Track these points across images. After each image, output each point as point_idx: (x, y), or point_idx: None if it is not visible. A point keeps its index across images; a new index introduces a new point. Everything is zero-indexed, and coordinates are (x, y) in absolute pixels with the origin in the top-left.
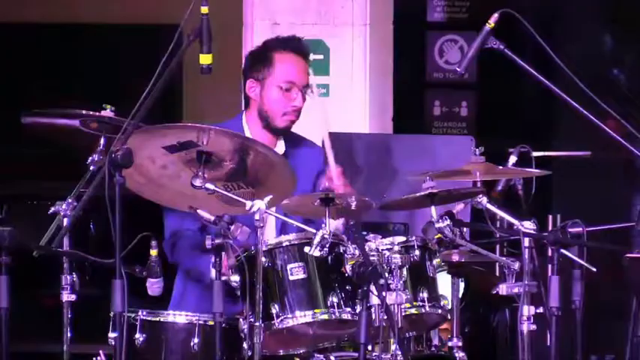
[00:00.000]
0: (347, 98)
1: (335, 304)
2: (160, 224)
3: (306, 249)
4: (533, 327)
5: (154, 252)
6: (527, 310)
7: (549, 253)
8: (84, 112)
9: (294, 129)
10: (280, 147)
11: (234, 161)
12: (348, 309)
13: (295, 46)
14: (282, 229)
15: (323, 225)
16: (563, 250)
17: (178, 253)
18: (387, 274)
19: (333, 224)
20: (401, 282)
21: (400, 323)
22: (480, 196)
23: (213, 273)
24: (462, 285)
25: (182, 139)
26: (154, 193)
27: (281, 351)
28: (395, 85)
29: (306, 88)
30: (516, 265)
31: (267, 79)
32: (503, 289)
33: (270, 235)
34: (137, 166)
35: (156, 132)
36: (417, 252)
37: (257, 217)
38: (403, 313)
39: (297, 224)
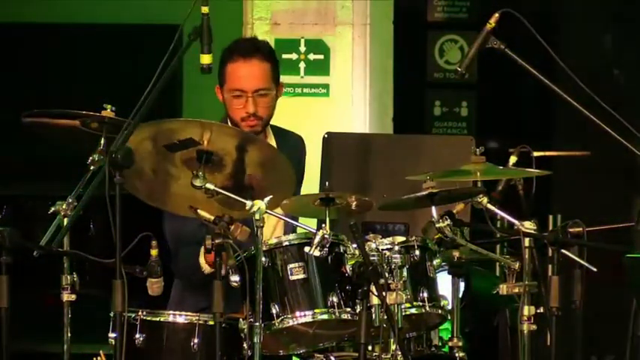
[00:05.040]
0: (347, 98)
1: (335, 304)
2: (159, 224)
3: (306, 249)
4: (534, 327)
5: (154, 252)
6: (527, 310)
7: (549, 253)
8: (84, 112)
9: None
10: (271, 141)
11: (234, 162)
12: (348, 309)
13: (245, 50)
14: (293, 232)
15: (323, 225)
16: (563, 250)
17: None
18: (387, 274)
19: None
20: (401, 282)
21: (401, 323)
22: (480, 196)
23: (205, 268)
24: (462, 285)
25: (183, 136)
26: (153, 195)
27: (281, 351)
28: (395, 85)
29: (261, 92)
30: (516, 265)
31: (223, 86)
32: (503, 289)
33: None
34: (136, 167)
35: (158, 129)
36: (417, 252)
37: (257, 217)
38: (403, 313)
39: (298, 224)
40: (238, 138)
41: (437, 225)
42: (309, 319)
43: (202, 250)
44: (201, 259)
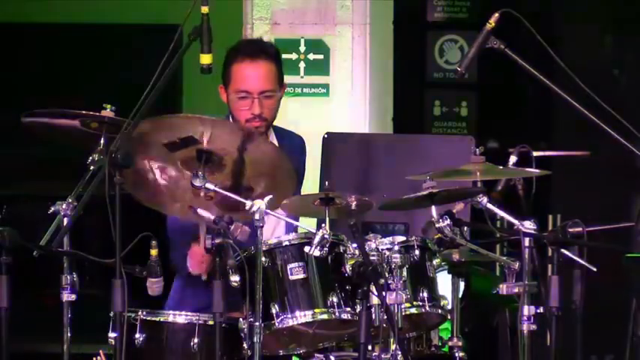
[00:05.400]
0: (347, 98)
1: (335, 304)
2: (159, 224)
3: (306, 249)
4: (534, 327)
5: (154, 252)
6: (527, 310)
7: (549, 253)
8: (84, 112)
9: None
10: (272, 141)
11: (234, 161)
12: (348, 309)
13: (251, 51)
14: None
15: (323, 225)
16: (563, 250)
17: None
18: (387, 274)
19: None
20: (401, 282)
21: (401, 324)
22: (480, 196)
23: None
24: (462, 285)
25: (184, 134)
26: (152, 198)
27: (281, 351)
28: (395, 85)
29: (267, 93)
30: (516, 265)
31: (228, 87)
32: (503, 289)
33: None
34: (135, 170)
35: (159, 128)
36: (417, 252)
37: (257, 217)
38: (403, 313)
39: (298, 224)
40: (239, 134)
41: (437, 225)
42: (309, 319)
43: (190, 251)
44: (188, 261)
